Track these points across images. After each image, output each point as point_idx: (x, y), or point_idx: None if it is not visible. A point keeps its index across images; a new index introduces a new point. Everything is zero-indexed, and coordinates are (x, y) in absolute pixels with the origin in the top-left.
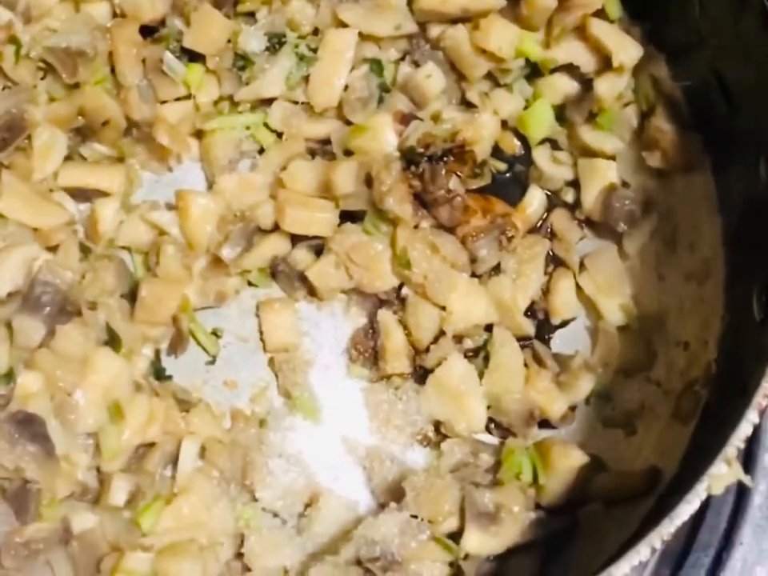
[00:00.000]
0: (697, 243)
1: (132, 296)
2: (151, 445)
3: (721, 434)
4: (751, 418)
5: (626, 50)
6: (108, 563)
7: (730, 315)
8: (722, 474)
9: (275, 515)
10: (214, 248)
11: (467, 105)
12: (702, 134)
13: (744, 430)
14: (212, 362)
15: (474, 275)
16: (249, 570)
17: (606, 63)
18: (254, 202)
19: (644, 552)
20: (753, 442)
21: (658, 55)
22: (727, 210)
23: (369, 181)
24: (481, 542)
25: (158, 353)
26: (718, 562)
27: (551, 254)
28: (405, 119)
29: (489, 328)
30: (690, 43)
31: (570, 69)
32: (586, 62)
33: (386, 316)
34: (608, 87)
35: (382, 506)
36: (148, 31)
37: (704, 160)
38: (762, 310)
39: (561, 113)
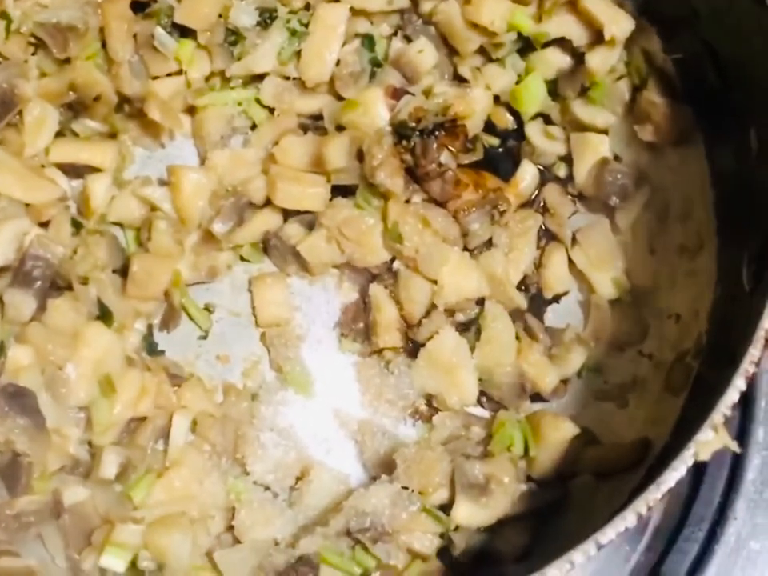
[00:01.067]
0: (689, 216)
1: (124, 271)
2: (143, 419)
3: (710, 403)
4: (738, 384)
5: (618, 23)
6: (99, 536)
7: (721, 286)
8: (708, 440)
9: (266, 488)
10: (206, 223)
11: (459, 80)
12: (694, 107)
13: (731, 396)
14: (204, 337)
15: (465, 249)
16: (239, 542)
17: (598, 37)
18: (246, 177)
19: (630, 518)
20: (746, 416)
21: (650, 28)
22: (719, 183)
23: (360, 155)
24: (471, 514)
25: (150, 327)
26: (712, 536)
27: (544, 228)
28: (396, 94)
29: (481, 302)
30: (682, 16)
31: (562, 43)
32: (578, 35)
33: (377, 290)
34: (600, 61)
35: (374, 479)
36: (139, 6)
37: (696, 133)
38: (751, 280)
39: (553, 87)
